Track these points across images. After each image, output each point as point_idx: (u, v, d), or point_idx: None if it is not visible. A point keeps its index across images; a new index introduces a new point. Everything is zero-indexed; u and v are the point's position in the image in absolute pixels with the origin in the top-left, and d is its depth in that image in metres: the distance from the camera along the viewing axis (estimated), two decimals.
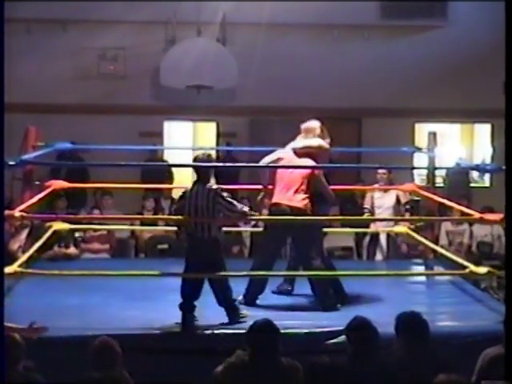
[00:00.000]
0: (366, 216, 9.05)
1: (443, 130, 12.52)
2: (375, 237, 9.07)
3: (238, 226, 9.70)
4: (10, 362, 4.13)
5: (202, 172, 6.07)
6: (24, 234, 8.29)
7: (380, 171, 8.92)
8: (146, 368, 5.27)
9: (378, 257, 9.01)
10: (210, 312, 5.98)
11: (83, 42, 12.71)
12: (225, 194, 5.95)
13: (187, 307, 5.89)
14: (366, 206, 9.07)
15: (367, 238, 9.38)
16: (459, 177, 12.22)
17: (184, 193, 6.09)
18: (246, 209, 6.14)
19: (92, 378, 4.14)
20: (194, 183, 6.06)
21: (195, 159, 6.21)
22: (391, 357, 4.39)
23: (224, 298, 5.97)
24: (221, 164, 11.93)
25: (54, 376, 4.47)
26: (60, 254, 8.79)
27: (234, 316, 5.92)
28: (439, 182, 12.29)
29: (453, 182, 12.09)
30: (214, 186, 5.98)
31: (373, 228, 9.03)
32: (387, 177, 8.88)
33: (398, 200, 8.91)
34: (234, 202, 5.99)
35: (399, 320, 4.51)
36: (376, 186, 9.15)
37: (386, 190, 9.00)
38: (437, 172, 11.89)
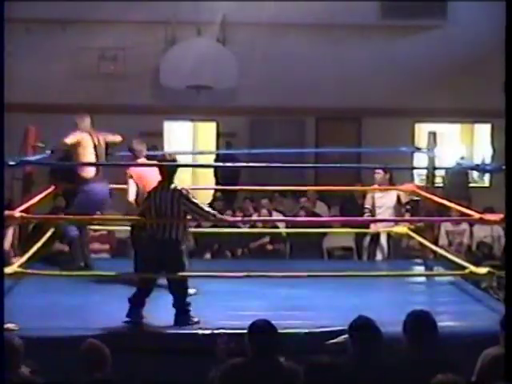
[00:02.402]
0: (366, 216, 9.04)
1: (443, 130, 12.51)
2: (375, 237, 9.06)
3: (237, 226, 9.72)
4: (9, 367, 4.12)
5: (166, 173, 6.08)
6: (10, 232, 8.29)
7: (376, 171, 8.91)
8: (145, 368, 5.27)
9: (379, 257, 9.00)
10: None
11: (83, 42, 12.73)
12: (190, 195, 5.96)
13: (136, 302, 5.91)
14: (366, 206, 9.06)
15: (367, 238, 9.37)
16: (459, 177, 12.22)
17: (149, 194, 6.12)
18: (211, 210, 6.14)
19: (84, 380, 4.15)
20: (159, 184, 6.07)
21: (162, 160, 6.22)
22: (395, 356, 4.39)
23: (179, 300, 5.94)
24: (220, 164, 12.01)
25: (54, 376, 4.47)
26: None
27: (182, 320, 5.89)
28: (439, 182, 12.31)
29: (452, 182, 12.08)
30: (179, 187, 5.99)
31: (372, 227, 9.03)
32: (383, 177, 8.85)
33: (398, 200, 8.91)
34: (199, 203, 6.00)
35: (408, 318, 4.51)
36: (375, 186, 9.13)
37: (386, 190, 9.00)
38: (436, 172, 11.95)
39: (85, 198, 7.49)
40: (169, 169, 6.09)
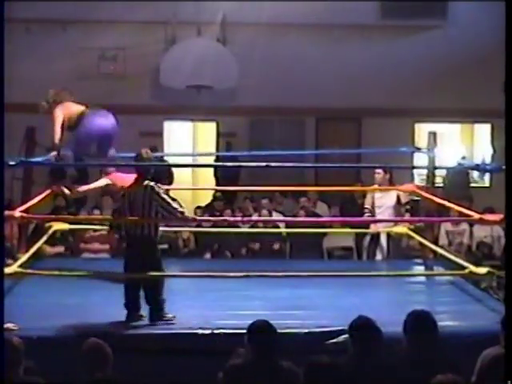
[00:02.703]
0: (366, 216, 9.05)
1: (443, 129, 12.51)
2: (375, 237, 9.06)
3: (237, 226, 9.73)
4: (9, 367, 4.12)
5: (141, 171, 6.10)
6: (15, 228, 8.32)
7: (376, 171, 8.91)
8: (146, 368, 5.27)
9: (378, 257, 9.00)
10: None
11: (83, 42, 12.72)
12: (161, 192, 5.97)
13: (132, 306, 5.93)
14: (366, 206, 9.06)
15: (367, 238, 9.37)
16: (459, 177, 12.21)
17: (124, 192, 6.14)
18: (183, 209, 6.12)
19: (84, 380, 4.14)
20: (134, 182, 6.09)
21: (138, 157, 6.22)
22: (395, 356, 4.39)
23: (152, 296, 5.93)
24: (220, 164, 12.00)
25: (54, 376, 4.47)
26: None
27: (156, 316, 5.91)
28: (439, 182, 12.31)
29: (453, 182, 12.08)
30: (152, 183, 5.99)
31: (373, 228, 9.03)
32: (383, 177, 8.85)
33: (398, 200, 8.91)
34: (170, 201, 5.99)
35: (409, 318, 4.51)
36: (375, 186, 9.13)
37: (386, 190, 9.00)
38: (442, 172, 11.95)
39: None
40: (143, 167, 6.10)
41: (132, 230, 5.98)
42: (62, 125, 7.26)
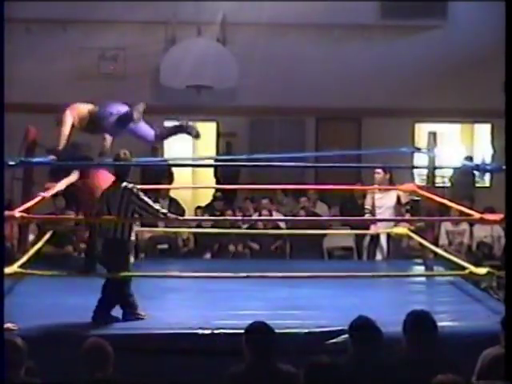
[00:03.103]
0: (366, 216, 9.05)
1: (443, 129, 12.51)
2: (375, 237, 9.06)
3: (238, 226, 9.73)
4: (12, 367, 4.12)
5: (118, 171, 6.13)
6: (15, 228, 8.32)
7: (376, 172, 8.91)
8: (146, 368, 5.28)
9: (378, 257, 9.00)
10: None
11: (83, 42, 12.72)
12: (141, 194, 5.98)
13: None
14: (366, 207, 9.06)
15: (367, 238, 9.38)
16: (465, 177, 12.18)
17: (102, 193, 6.15)
18: (163, 209, 6.15)
19: (85, 380, 4.14)
20: (112, 184, 6.11)
21: (116, 158, 6.25)
22: (394, 356, 4.39)
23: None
24: (220, 164, 12.00)
25: (54, 376, 4.47)
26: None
27: (129, 315, 5.94)
28: (443, 182, 12.31)
29: (459, 182, 12.06)
30: (130, 185, 6.00)
31: (373, 228, 9.03)
32: (383, 177, 8.85)
33: (398, 200, 8.91)
34: (150, 202, 6.00)
35: (408, 318, 4.51)
36: (376, 186, 9.13)
37: (386, 190, 9.00)
38: (442, 172, 11.95)
39: None
40: (121, 168, 6.12)
41: (106, 231, 6.00)
42: (72, 127, 7.26)
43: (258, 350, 4.29)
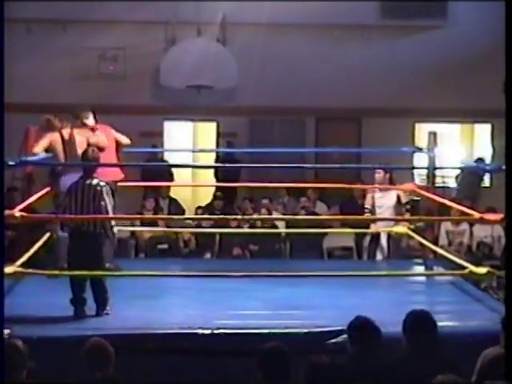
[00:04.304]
0: (366, 216, 9.05)
1: (443, 129, 12.51)
2: (376, 237, 9.06)
3: (240, 226, 9.73)
4: (13, 370, 4.12)
5: (85, 169, 6.20)
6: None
7: (377, 171, 8.93)
8: (146, 368, 5.28)
9: (379, 257, 9.00)
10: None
11: (83, 42, 12.72)
12: (104, 191, 6.04)
13: (77, 301, 6.01)
14: (366, 207, 9.06)
15: (367, 238, 9.38)
16: (472, 177, 12.14)
17: (70, 188, 6.18)
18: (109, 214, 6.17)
19: (86, 379, 4.14)
20: (80, 178, 6.15)
21: (84, 155, 6.34)
22: (394, 356, 4.39)
23: (100, 293, 6.02)
24: (220, 164, 12.01)
25: (54, 376, 4.47)
26: None
27: (102, 311, 6.02)
28: (443, 182, 12.30)
29: (466, 182, 12.03)
30: (102, 183, 6.08)
31: (372, 227, 9.03)
32: (383, 177, 8.87)
33: (398, 200, 8.91)
34: (108, 204, 6.04)
35: (408, 318, 4.51)
36: (376, 185, 9.13)
37: (386, 190, 9.01)
38: (448, 172, 11.95)
39: None
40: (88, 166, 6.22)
41: (75, 226, 6.08)
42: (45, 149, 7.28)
43: (270, 374, 4.20)
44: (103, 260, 6.14)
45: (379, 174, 8.86)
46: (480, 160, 11.98)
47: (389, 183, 8.97)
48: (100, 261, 6.09)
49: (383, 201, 8.93)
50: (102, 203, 6.02)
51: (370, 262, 9.17)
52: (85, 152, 6.37)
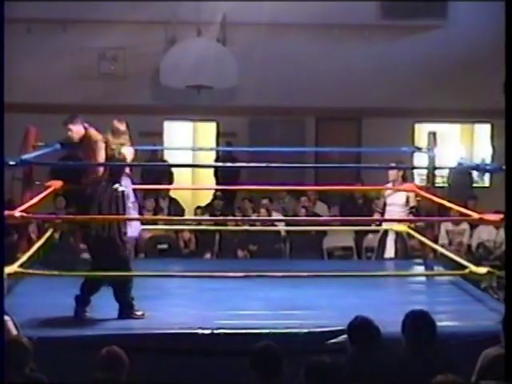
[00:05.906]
0: (376, 215, 9.09)
1: (443, 129, 12.51)
2: (384, 235, 9.07)
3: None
4: (16, 365, 4.12)
5: (111, 171, 6.21)
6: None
7: (390, 170, 8.99)
8: (146, 368, 5.27)
9: (387, 255, 9.00)
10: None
11: (83, 42, 12.72)
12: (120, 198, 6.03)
13: (83, 301, 6.01)
14: (377, 209, 9.12)
15: (367, 238, 9.39)
16: (462, 177, 12.18)
17: (91, 191, 6.21)
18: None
19: (86, 379, 4.13)
20: (104, 182, 6.18)
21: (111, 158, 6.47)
22: (394, 356, 4.39)
23: (122, 294, 6.01)
24: (220, 164, 12.00)
25: (55, 376, 4.47)
26: None
27: (126, 314, 5.98)
28: (441, 182, 12.31)
29: (455, 182, 12.05)
30: (121, 188, 6.07)
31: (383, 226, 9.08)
32: (396, 174, 8.94)
33: (407, 201, 8.96)
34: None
35: (407, 318, 4.51)
36: (389, 183, 9.14)
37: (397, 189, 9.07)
38: (438, 172, 11.94)
39: None
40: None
41: (105, 230, 6.03)
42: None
43: (263, 373, 4.22)
44: (129, 263, 6.13)
45: (392, 171, 8.91)
46: (464, 160, 11.99)
47: (402, 180, 9.01)
48: (127, 264, 6.08)
49: (394, 198, 8.99)
50: (124, 208, 6.02)
51: (370, 261, 9.18)
52: (113, 155, 6.44)
